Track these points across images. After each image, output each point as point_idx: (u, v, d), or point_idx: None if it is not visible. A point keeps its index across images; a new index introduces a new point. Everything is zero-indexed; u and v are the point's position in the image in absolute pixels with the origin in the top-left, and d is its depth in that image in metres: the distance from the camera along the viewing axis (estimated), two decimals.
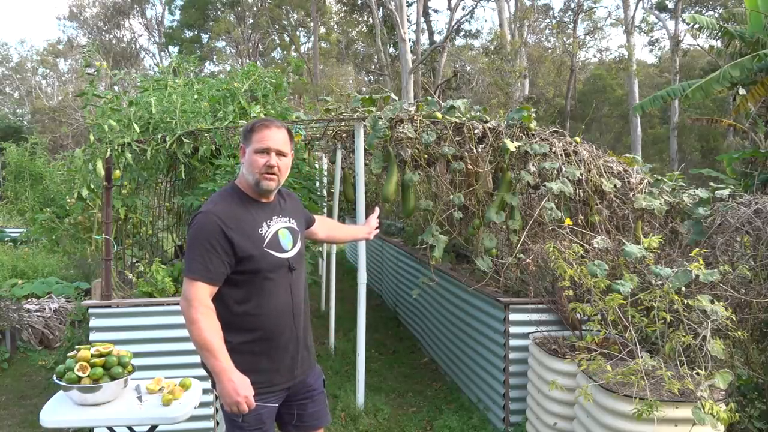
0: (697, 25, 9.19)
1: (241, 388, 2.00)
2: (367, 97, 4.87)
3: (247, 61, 26.25)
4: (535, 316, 3.98)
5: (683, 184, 4.91)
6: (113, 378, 2.65)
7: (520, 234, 4.40)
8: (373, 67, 28.00)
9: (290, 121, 4.67)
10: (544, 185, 4.28)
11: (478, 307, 4.57)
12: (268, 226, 2.22)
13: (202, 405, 3.17)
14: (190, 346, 2.10)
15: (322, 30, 29.68)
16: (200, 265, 2.06)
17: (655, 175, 4.77)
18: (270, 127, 2.20)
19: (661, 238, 3.59)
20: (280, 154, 2.20)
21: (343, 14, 29.88)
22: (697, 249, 3.44)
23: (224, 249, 2.09)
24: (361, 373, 4.40)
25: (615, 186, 4.43)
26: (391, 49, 23.57)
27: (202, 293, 2.05)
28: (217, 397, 3.86)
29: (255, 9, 30.56)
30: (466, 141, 4.53)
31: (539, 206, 4.36)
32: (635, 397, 2.69)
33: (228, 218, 2.12)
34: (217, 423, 3.87)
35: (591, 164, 4.51)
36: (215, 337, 2.01)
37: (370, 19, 23.98)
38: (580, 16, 25.79)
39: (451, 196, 4.44)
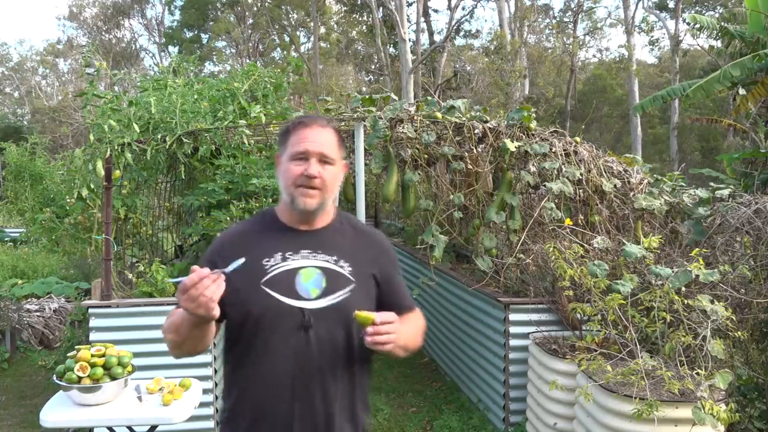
0: (697, 25, 9.19)
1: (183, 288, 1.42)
2: (367, 97, 4.87)
3: (247, 61, 26.25)
4: (535, 316, 3.98)
5: (683, 184, 4.91)
6: (113, 378, 2.65)
7: (520, 234, 4.40)
8: (373, 67, 28.00)
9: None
10: (544, 185, 4.28)
11: (478, 307, 4.57)
12: (283, 258, 1.61)
13: (202, 405, 3.17)
14: None
15: (322, 30, 29.67)
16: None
17: (655, 175, 4.77)
18: (311, 126, 1.64)
19: (661, 238, 3.59)
20: (324, 161, 1.61)
21: (343, 14, 29.88)
22: (697, 249, 3.44)
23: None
24: None
25: (615, 186, 4.43)
26: (391, 49, 23.57)
27: (173, 311, 1.63)
28: (217, 398, 3.87)
29: (255, 9, 30.55)
30: (466, 141, 4.53)
31: (539, 206, 4.36)
32: (635, 397, 2.69)
33: (230, 244, 1.67)
34: (217, 423, 3.87)
35: (591, 164, 4.51)
36: (173, 316, 1.61)
37: (370, 19, 23.98)
38: (580, 16, 25.78)
39: (451, 196, 4.44)
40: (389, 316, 1.53)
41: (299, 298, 1.57)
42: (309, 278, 1.59)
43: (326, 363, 1.59)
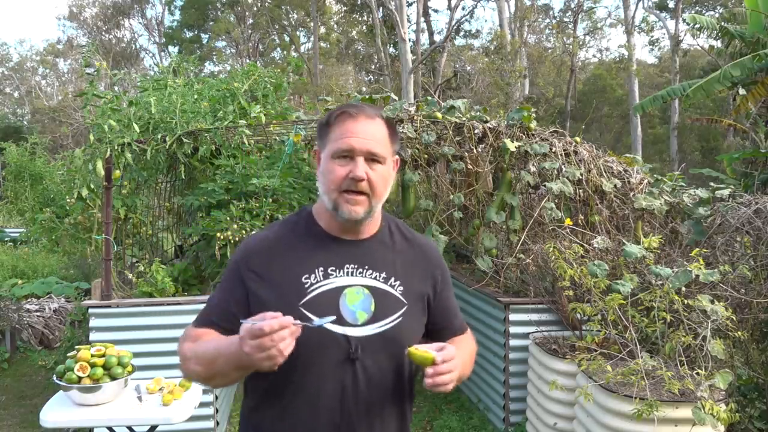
0: (697, 25, 9.19)
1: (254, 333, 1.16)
2: (367, 97, 4.87)
3: (247, 61, 26.25)
4: (535, 316, 3.98)
5: (683, 184, 4.92)
6: (113, 378, 2.64)
7: (520, 234, 4.40)
8: (373, 67, 28.00)
9: (290, 121, 4.67)
10: (544, 185, 4.28)
11: (478, 307, 4.57)
12: (325, 275, 1.36)
13: (202, 405, 3.17)
14: None
15: (322, 30, 29.67)
16: (210, 308, 1.42)
17: (655, 175, 4.77)
18: (357, 117, 1.36)
19: (661, 238, 3.59)
20: (373, 159, 1.36)
21: (343, 14, 29.89)
22: (697, 249, 3.44)
23: (237, 299, 1.36)
24: None
25: (615, 186, 4.43)
26: (391, 49, 23.57)
27: (195, 333, 1.40)
28: (217, 397, 3.87)
29: (255, 9, 30.56)
30: (466, 141, 4.53)
31: (539, 206, 4.36)
32: (635, 397, 2.69)
33: (258, 254, 1.39)
34: (217, 423, 3.87)
35: (591, 164, 4.51)
36: (203, 344, 1.34)
37: (370, 19, 23.98)
38: (580, 16, 25.78)
39: (451, 196, 4.44)
40: (449, 352, 1.29)
41: (345, 323, 1.33)
42: (356, 300, 1.35)
43: (375, 401, 1.36)
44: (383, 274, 1.40)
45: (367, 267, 1.39)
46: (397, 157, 1.47)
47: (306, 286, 1.34)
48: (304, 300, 1.33)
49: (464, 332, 1.57)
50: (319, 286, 1.35)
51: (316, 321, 1.26)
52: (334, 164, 1.35)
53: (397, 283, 1.41)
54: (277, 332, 1.13)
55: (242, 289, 1.36)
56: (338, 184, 1.34)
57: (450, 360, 1.28)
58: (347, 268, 1.38)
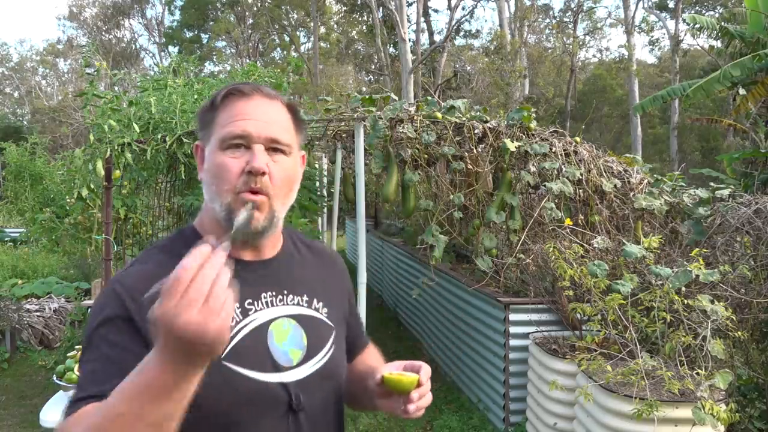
0: (697, 25, 9.19)
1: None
2: (367, 97, 4.87)
3: (247, 61, 26.25)
4: (535, 316, 3.98)
5: (683, 184, 4.92)
6: None
7: (520, 234, 4.40)
8: (373, 67, 28.01)
9: None
10: (544, 185, 4.29)
11: (478, 307, 4.57)
12: (243, 313, 1.03)
13: None
14: None
15: (322, 30, 29.69)
16: (87, 380, 0.92)
17: (655, 175, 4.77)
18: (252, 96, 1.05)
19: (661, 238, 3.59)
20: (275, 148, 1.04)
21: (343, 14, 29.90)
22: (697, 249, 3.44)
23: (137, 353, 0.84)
24: None
25: (615, 186, 4.43)
26: (391, 49, 23.58)
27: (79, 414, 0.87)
28: None
29: (255, 9, 30.57)
30: (466, 141, 4.53)
31: (539, 206, 4.36)
32: (635, 397, 2.69)
33: (142, 291, 0.85)
34: None
35: (591, 164, 4.51)
36: (98, 409, 0.81)
37: (370, 19, 23.99)
38: (580, 16, 25.80)
39: (451, 196, 4.44)
40: (426, 370, 1.09)
41: (280, 368, 1.03)
42: (284, 336, 1.05)
43: None
44: (305, 297, 1.12)
45: (285, 292, 1.09)
46: (303, 153, 1.15)
47: None
48: (226, 351, 0.97)
49: (369, 345, 1.35)
50: (239, 329, 1.00)
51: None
52: (224, 157, 1.00)
53: (320, 304, 1.14)
54: (200, 272, 0.74)
55: (134, 338, 0.91)
56: (233, 183, 0.99)
57: (428, 377, 1.10)
58: (264, 298, 1.06)
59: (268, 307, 1.06)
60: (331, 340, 1.13)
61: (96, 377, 0.90)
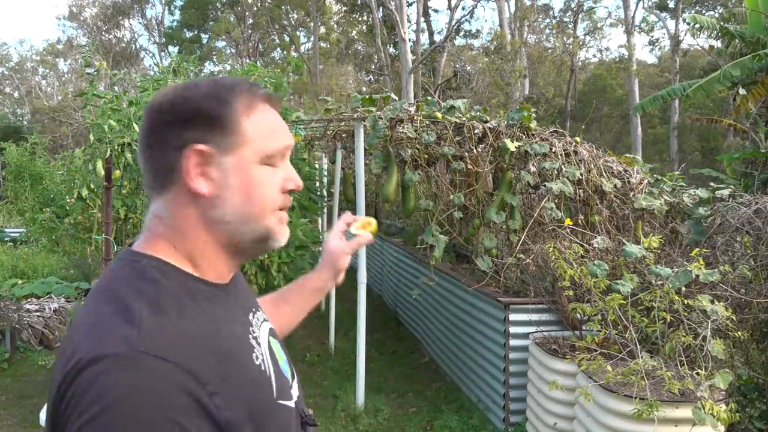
0: (697, 25, 9.19)
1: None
2: (367, 97, 4.87)
3: (247, 61, 26.26)
4: (535, 316, 3.98)
5: (683, 184, 4.92)
6: None
7: (520, 234, 4.40)
8: (373, 67, 28.00)
9: (290, 122, 4.67)
10: (544, 185, 4.29)
11: (478, 307, 4.57)
12: (257, 342, 0.91)
13: None
14: None
15: (322, 30, 29.69)
16: None
17: (655, 175, 4.78)
18: (276, 104, 0.95)
19: (661, 238, 3.59)
20: None
21: (343, 14, 29.91)
22: (697, 249, 3.44)
23: None
24: (361, 373, 4.40)
25: (615, 186, 4.43)
26: (391, 49, 23.58)
27: None
28: None
29: (255, 9, 30.58)
30: (466, 141, 4.53)
31: (539, 206, 4.37)
32: (635, 397, 2.69)
33: (206, 365, 0.76)
34: None
35: (591, 164, 4.51)
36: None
37: (370, 19, 23.99)
38: (580, 16, 25.80)
39: (451, 196, 4.44)
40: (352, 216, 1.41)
41: (291, 389, 0.97)
42: (280, 354, 0.99)
43: None
44: (260, 309, 1.03)
45: (253, 308, 0.99)
46: None
47: (262, 368, 0.88)
48: (275, 387, 0.89)
49: None
50: (267, 360, 0.91)
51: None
52: (263, 173, 0.89)
53: (263, 312, 1.05)
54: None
55: (209, 424, 0.75)
56: (277, 203, 0.91)
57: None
58: (254, 321, 0.96)
59: (259, 329, 0.96)
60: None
61: None
